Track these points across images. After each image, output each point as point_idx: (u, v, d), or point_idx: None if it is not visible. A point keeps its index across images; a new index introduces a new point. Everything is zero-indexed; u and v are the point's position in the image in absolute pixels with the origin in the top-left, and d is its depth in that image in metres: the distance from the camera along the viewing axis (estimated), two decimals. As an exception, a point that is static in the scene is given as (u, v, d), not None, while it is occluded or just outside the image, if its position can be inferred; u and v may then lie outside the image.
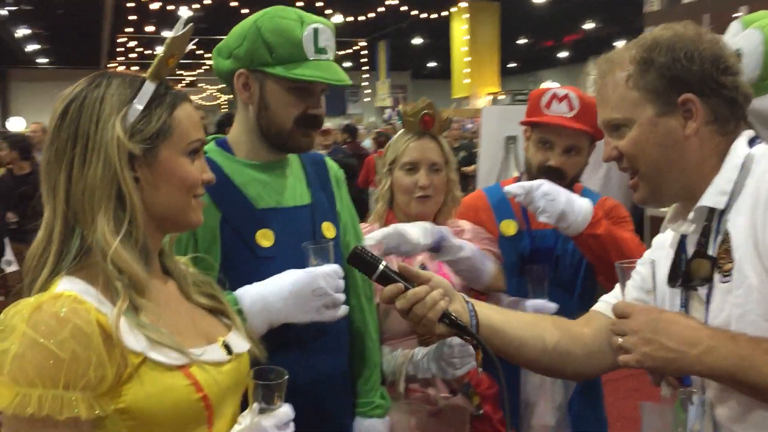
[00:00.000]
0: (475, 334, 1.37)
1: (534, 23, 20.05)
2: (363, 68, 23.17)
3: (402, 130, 2.13)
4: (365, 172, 8.82)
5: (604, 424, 2.34)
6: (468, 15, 17.08)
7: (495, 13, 17.41)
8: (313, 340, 1.66)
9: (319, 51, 1.63)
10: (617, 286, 1.41)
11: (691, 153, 1.28)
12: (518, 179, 2.35)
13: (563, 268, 2.25)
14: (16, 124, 20.01)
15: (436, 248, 1.93)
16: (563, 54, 26.25)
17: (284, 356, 1.54)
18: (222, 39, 1.72)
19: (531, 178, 2.22)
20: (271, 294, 1.53)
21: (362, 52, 21.77)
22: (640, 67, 1.28)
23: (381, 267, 1.34)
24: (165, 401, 1.09)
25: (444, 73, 20.26)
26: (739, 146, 1.28)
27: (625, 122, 1.31)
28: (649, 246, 1.53)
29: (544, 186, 1.99)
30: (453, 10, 17.15)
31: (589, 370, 1.50)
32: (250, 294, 1.53)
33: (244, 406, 1.24)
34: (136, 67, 21.13)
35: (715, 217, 1.28)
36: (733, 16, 2.00)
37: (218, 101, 27.94)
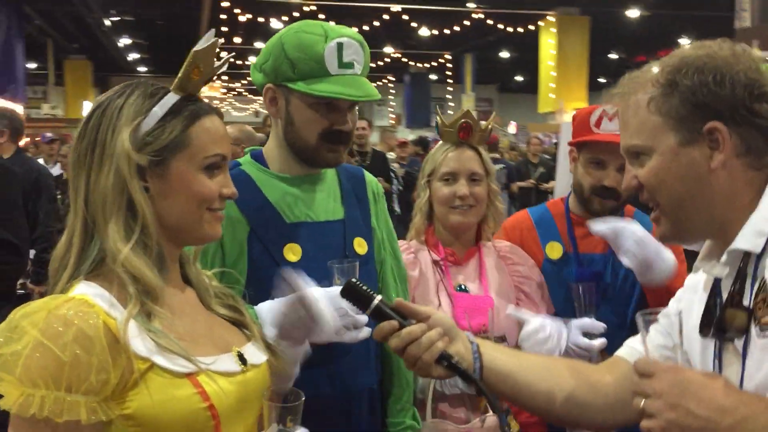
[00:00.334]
0: (476, 379, 1.27)
1: (626, 38, 19.49)
2: (448, 81, 23.12)
3: (440, 142, 2.10)
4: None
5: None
6: (555, 29, 16.77)
7: (584, 26, 17.01)
8: (340, 359, 1.65)
9: (344, 66, 1.61)
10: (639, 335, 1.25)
11: (719, 187, 1.14)
12: (566, 200, 2.29)
13: (613, 295, 2.16)
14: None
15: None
16: (656, 69, 25.34)
17: (309, 371, 1.56)
18: None
19: (581, 199, 2.16)
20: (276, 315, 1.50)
21: (448, 65, 21.75)
22: (664, 90, 1.15)
23: (375, 302, 1.26)
24: (171, 409, 1.09)
25: (531, 87, 19.97)
26: None
27: (645, 150, 1.19)
28: None
29: (637, 231, 1.92)
30: (540, 23, 16.88)
31: (609, 422, 1.34)
32: (271, 309, 1.52)
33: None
34: (225, 77, 21.88)
35: (751, 261, 1.12)
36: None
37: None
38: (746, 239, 1.12)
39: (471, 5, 15.32)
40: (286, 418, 1.20)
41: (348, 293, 1.30)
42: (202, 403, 1.12)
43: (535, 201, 9.39)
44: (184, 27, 17.66)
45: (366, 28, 15.87)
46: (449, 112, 26.43)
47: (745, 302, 1.11)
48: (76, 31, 18.08)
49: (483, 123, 2.08)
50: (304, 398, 1.21)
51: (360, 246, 1.74)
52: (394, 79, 25.31)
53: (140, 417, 1.08)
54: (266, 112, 1.80)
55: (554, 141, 12.22)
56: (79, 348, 1.03)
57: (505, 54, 22.70)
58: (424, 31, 17.43)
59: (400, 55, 20.69)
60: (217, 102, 23.53)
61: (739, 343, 1.12)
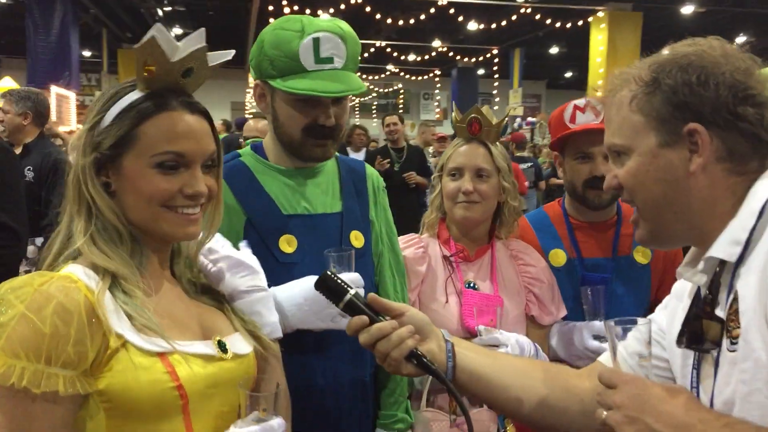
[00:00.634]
0: (444, 379, 1.26)
1: (679, 35, 18.90)
2: (495, 76, 22.89)
3: (456, 137, 2.10)
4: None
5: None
6: (605, 24, 16.44)
7: (637, 22, 16.62)
8: (332, 347, 1.67)
9: (321, 61, 1.61)
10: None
11: (698, 192, 1.10)
12: (562, 204, 2.26)
13: (620, 299, 2.13)
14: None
15: None
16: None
17: (301, 360, 1.59)
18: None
19: (577, 197, 2.13)
20: (286, 299, 1.55)
21: (495, 60, 21.53)
22: (646, 89, 1.12)
23: (348, 296, 1.26)
24: (139, 386, 1.11)
25: (580, 83, 19.65)
26: (761, 188, 1.07)
27: (624, 150, 1.16)
28: None
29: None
30: (591, 19, 16.57)
31: (584, 428, 1.30)
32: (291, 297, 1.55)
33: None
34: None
35: (727, 271, 1.08)
36: None
37: (351, 104, 28.62)
38: (722, 248, 1.08)
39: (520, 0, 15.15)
40: (260, 406, 1.20)
41: (321, 286, 1.30)
42: (171, 382, 1.14)
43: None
44: (234, 18, 17.92)
45: (412, 21, 15.83)
46: (495, 108, 26.25)
47: (721, 313, 1.07)
48: (130, 21, 18.46)
49: (496, 119, 2.07)
50: (277, 390, 1.22)
51: (357, 239, 1.75)
52: (440, 73, 25.19)
53: (111, 393, 1.11)
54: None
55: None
56: (59, 320, 1.07)
57: (554, 49, 22.35)
58: (472, 25, 17.28)
59: (446, 49, 20.56)
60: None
61: (714, 355, 1.09)
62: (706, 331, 1.09)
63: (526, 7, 15.19)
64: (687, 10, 16.07)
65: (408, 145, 6.98)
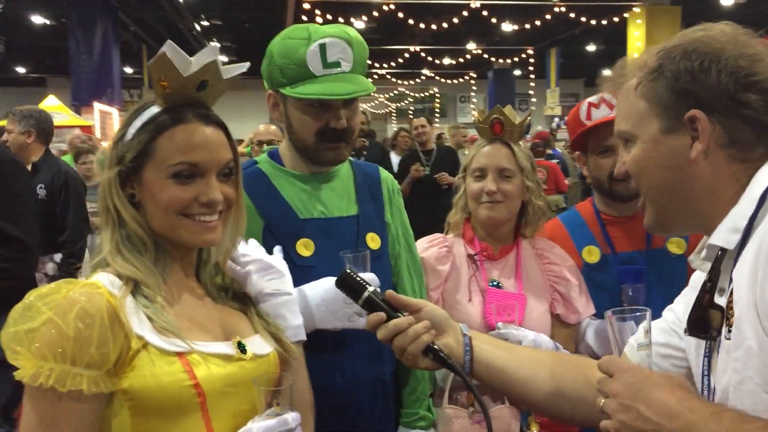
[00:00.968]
0: (461, 372, 1.29)
1: (720, 27, 18.59)
2: (531, 76, 22.73)
3: (479, 138, 2.12)
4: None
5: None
6: (641, 20, 16.19)
7: (675, 17, 16.33)
8: (351, 346, 1.70)
9: (329, 66, 1.66)
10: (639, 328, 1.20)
11: (701, 180, 1.09)
12: (593, 202, 2.25)
13: (655, 290, 2.12)
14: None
15: None
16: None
17: (319, 359, 1.62)
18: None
19: (605, 192, 2.12)
20: (304, 299, 1.59)
21: (531, 60, 21.39)
22: (651, 75, 1.11)
23: (366, 293, 1.30)
24: (159, 385, 1.17)
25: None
26: (763, 176, 1.05)
27: (630, 136, 1.16)
28: None
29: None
30: (627, 15, 16.34)
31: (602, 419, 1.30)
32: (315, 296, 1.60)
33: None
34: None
35: (728, 258, 1.08)
36: None
37: (388, 109, 28.71)
38: (721, 235, 1.07)
39: (554, -1, 15.04)
40: (274, 401, 1.24)
41: (341, 284, 1.34)
42: (188, 381, 1.20)
43: (582, 197, 9.25)
44: (270, 29, 18.20)
45: (445, 25, 15.83)
46: (532, 108, 26.05)
47: (722, 301, 1.07)
48: (169, 37, 18.77)
49: (519, 119, 2.08)
50: (289, 384, 1.26)
51: (373, 241, 1.79)
52: (476, 75, 25.11)
53: (134, 391, 1.17)
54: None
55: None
56: (81, 323, 1.13)
57: (591, 47, 22.10)
58: (506, 27, 17.21)
59: (481, 51, 20.50)
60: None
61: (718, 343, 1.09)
62: (712, 318, 1.08)
63: (560, 6, 15.06)
64: (727, 1, 15.74)
65: (438, 147, 6.97)
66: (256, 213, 1.71)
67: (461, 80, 25.74)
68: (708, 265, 1.13)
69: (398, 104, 28.20)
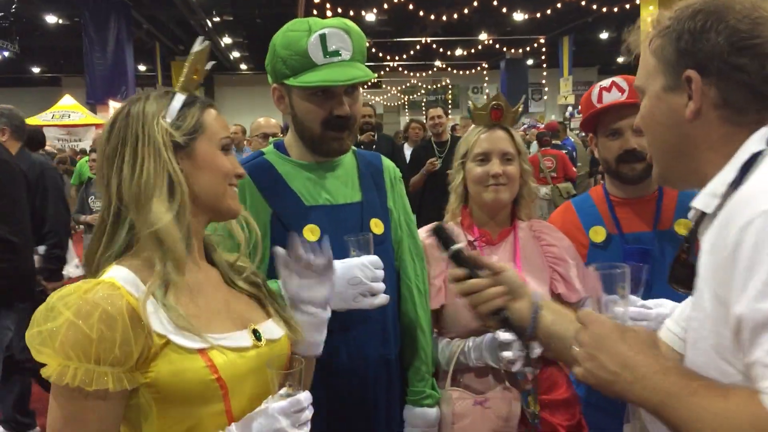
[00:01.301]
0: (523, 334, 1.40)
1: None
2: (543, 65, 22.64)
3: (473, 126, 2.16)
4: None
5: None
6: (653, 6, 16.05)
7: None
8: (356, 327, 1.75)
9: (329, 54, 1.72)
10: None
11: (694, 139, 1.11)
12: (603, 184, 2.29)
13: (663, 272, 2.15)
14: (219, 125, 22.03)
15: None
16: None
17: (327, 340, 1.67)
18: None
19: (612, 173, 2.16)
20: None
21: (543, 49, 21.31)
22: (661, 32, 1.14)
23: (454, 248, 1.43)
24: (184, 380, 1.23)
25: (635, 67, 19.23)
26: (752, 142, 1.06)
27: (641, 90, 1.19)
28: None
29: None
30: (638, 1, 16.21)
31: None
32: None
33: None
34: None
35: (706, 221, 1.10)
36: None
37: (401, 101, 28.73)
38: (702, 198, 1.10)
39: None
40: (287, 382, 1.30)
41: (436, 233, 1.47)
42: (211, 375, 1.25)
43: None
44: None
45: (456, 16, 15.82)
46: (544, 97, 25.93)
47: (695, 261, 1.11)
48: (181, 33, 19.00)
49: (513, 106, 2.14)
50: (301, 367, 1.31)
51: (377, 226, 1.84)
52: (488, 66, 25.06)
53: (159, 385, 1.22)
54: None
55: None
56: (104, 326, 1.17)
57: (604, 34, 21.98)
58: (518, 16, 17.17)
59: (493, 42, 20.45)
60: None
61: None
62: (686, 277, 1.13)
63: (571, -7, 15.01)
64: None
65: (452, 138, 6.93)
66: (264, 201, 1.76)
67: (473, 71, 25.72)
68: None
69: (411, 96, 28.21)
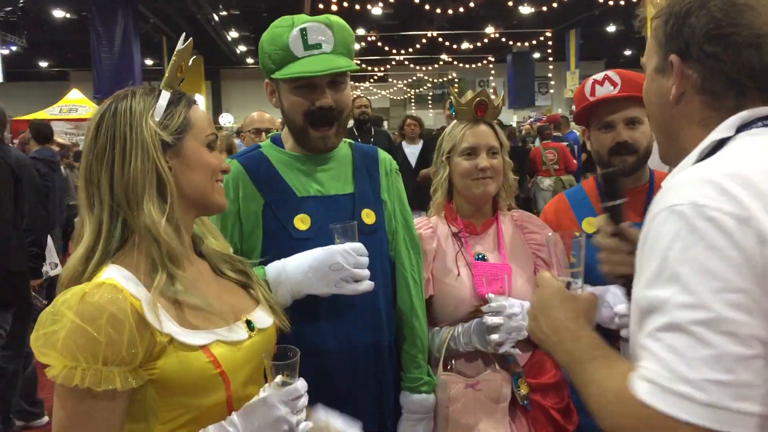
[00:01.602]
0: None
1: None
2: (550, 59, 22.57)
3: (455, 121, 2.20)
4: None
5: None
6: (661, -1, 15.97)
7: (695, -5, 16.15)
8: (344, 313, 1.79)
9: (310, 47, 1.77)
10: None
11: (680, 121, 1.14)
12: (595, 177, 2.32)
13: None
14: (227, 119, 22.13)
15: None
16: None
17: (315, 326, 1.74)
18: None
19: (604, 165, 2.19)
20: (293, 267, 1.70)
21: (549, 43, 21.25)
22: (658, 14, 1.16)
23: (619, 201, 1.43)
24: (187, 375, 1.27)
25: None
26: (719, 129, 1.07)
27: (644, 68, 1.23)
28: None
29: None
30: (646, -6, 16.13)
31: None
32: (276, 267, 1.72)
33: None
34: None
35: None
36: None
37: (407, 95, 28.71)
38: (666, 180, 1.10)
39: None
40: (284, 372, 1.34)
41: (611, 179, 1.46)
42: (213, 369, 1.30)
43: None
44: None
45: (462, 9, 15.79)
46: (551, 91, 25.85)
47: None
48: (188, 27, 19.03)
49: (495, 100, 2.18)
50: (296, 358, 1.35)
51: (368, 216, 1.88)
52: (494, 59, 25.01)
53: (164, 381, 1.26)
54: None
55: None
56: (112, 329, 1.20)
57: (611, 27, 21.89)
58: (524, 9, 17.12)
59: (499, 35, 20.41)
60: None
61: None
62: None
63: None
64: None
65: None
66: (257, 192, 1.81)
67: (480, 64, 25.66)
68: None
69: (417, 90, 28.20)
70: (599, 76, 2.20)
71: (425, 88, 28.15)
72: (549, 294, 1.23)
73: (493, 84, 27.30)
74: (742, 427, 0.86)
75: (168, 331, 1.27)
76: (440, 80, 27.99)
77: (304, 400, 1.36)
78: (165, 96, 1.37)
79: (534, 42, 21.74)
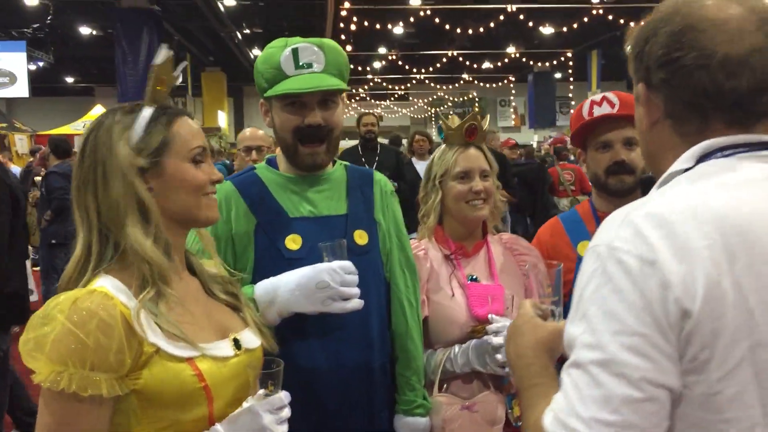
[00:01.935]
0: None
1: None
2: (571, 79, 22.54)
3: (443, 146, 2.21)
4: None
5: None
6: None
7: (718, 17, 16.07)
8: (334, 332, 1.80)
9: (301, 67, 1.81)
10: None
11: (657, 147, 1.12)
12: (590, 200, 2.32)
13: None
14: (247, 136, 22.28)
15: None
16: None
17: (305, 343, 1.76)
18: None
19: (601, 186, 2.19)
20: (281, 286, 1.71)
21: (570, 63, 21.24)
22: (629, 42, 1.14)
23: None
24: (171, 387, 1.27)
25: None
26: (680, 160, 1.05)
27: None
28: None
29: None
30: (668, 16, 16.10)
31: None
32: (263, 285, 1.73)
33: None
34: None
35: None
36: None
37: (428, 114, 28.80)
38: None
39: (595, 1, 14.90)
40: (268, 382, 1.36)
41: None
42: (198, 383, 1.30)
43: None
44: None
45: (482, 30, 15.85)
46: (572, 111, 25.72)
47: None
48: (212, 45, 19.30)
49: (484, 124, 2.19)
50: (280, 368, 1.37)
51: (360, 237, 1.89)
52: (515, 79, 25.03)
53: (147, 392, 1.27)
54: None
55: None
56: (101, 334, 1.21)
57: (633, 49, 21.77)
58: (546, 30, 17.15)
59: (520, 55, 20.44)
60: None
61: None
62: None
63: (598, 9, 14.95)
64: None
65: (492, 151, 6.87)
66: (249, 212, 1.84)
67: (500, 84, 25.69)
68: None
69: (438, 108, 28.28)
70: (597, 97, 2.19)
71: (446, 106, 28.20)
72: (521, 321, 1.27)
73: (513, 104, 27.30)
74: None
75: (155, 341, 1.27)
76: (461, 99, 28.05)
77: (288, 411, 1.37)
78: (146, 113, 1.35)
79: (555, 62, 21.74)
